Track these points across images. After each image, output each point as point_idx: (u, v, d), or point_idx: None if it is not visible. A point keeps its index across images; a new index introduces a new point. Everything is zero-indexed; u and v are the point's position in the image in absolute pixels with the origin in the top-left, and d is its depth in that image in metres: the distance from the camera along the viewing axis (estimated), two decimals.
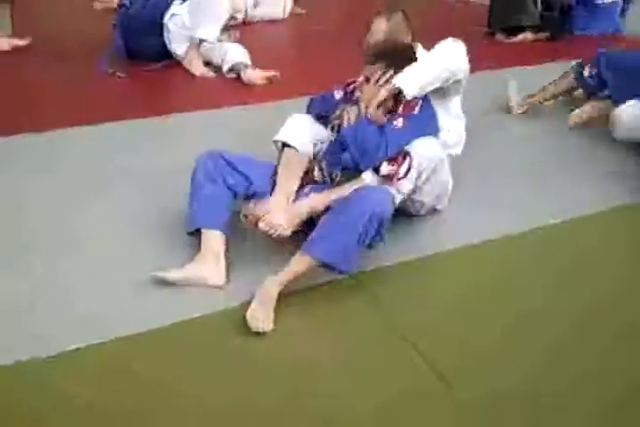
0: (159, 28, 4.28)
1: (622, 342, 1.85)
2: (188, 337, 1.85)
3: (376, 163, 2.14)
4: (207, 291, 2.03)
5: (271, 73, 4.05)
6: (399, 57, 2.28)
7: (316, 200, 2.13)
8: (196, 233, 2.18)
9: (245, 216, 2.14)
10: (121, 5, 4.50)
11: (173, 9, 4.31)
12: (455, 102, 2.44)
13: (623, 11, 5.09)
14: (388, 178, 2.10)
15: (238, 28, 5.09)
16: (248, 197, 2.22)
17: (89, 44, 4.72)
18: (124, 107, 3.68)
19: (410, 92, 2.18)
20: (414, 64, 2.25)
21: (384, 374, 1.73)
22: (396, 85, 2.18)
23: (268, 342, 1.82)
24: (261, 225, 2.08)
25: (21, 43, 4.79)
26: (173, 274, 2.04)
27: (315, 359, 1.77)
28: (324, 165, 2.28)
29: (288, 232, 2.09)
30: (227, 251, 2.14)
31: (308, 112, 2.48)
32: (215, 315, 1.93)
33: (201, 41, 4.23)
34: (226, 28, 4.59)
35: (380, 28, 2.45)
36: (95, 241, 2.29)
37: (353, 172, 2.19)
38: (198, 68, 4.23)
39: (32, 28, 5.16)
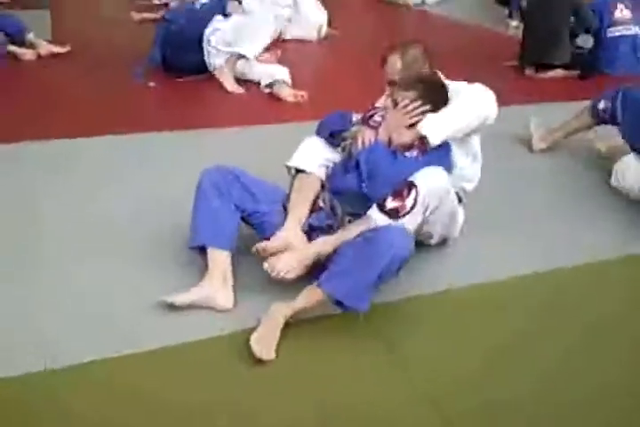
0: (200, 43, 4.39)
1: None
2: (192, 359, 1.88)
3: (381, 190, 2.11)
4: (215, 313, 2.06)
5: (301, 93, 4.18)
6: (432, 88, 2.31)
7: (322, 245, 2.10)
8: (200, 249, 2.16)
9: (257, 251, 2.12)
10: (164, 19, 4.62)
11: (216, 24, 4.45)
12: (474, 141, 2.44)
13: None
14: (395, 212, 2.06)
15: (273, 44, 5.18)
16: (251, 216, 2.22)
17: (125, 55, 4.84)
18: (152, 119, 3.78)
19: (434, 142, 2.21)
20: (444, 111, 2.26)
21: (384, 409, 1.74)
22: (423, 133, 2.21)
23: (270, 371, 1.84)
24: (265, 266, 2.07)
25: (61, 50, 4.92)
26: (181, 298, 2.03)
27: (314, 393, 1.79)
28: (326, 193, 2.27)
29: (291, 276, 2.06)
30: (234, 271, 2.14)
31: (321, 129, 2.46)
32: (221, 338, 1.95)
33: (240, 57, 4.35)
34: (267, 47, 4.71)
35: (396, 65, 2.43)
36: (104, 255, 2.33)
37: (355, 202, 2.19)
38: (230, 83, 4.35)
39: (71, 36, 5.30)
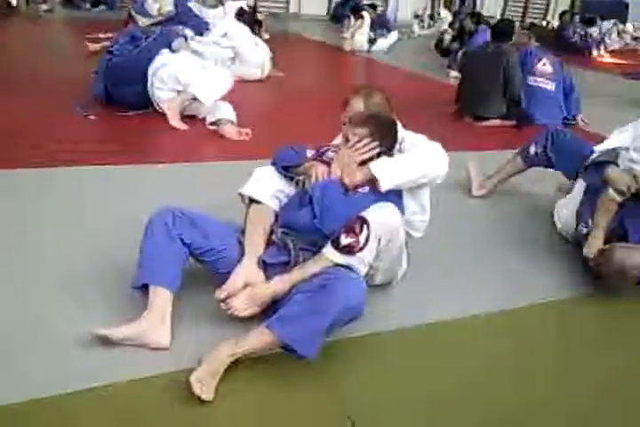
0: (144, 76, 4.40)
1: None
2: (129, 398, 1.80)
3: (334, 227, 2.11)
4: (152, 351, 1.99)
5: (245, 130, 4.23)
6: (382, 126, 2.35)
7: (279, 284, 2.08)
8: (144, 288, 2.10)
9: (222, 299, 2.09)
10: (107, 52, 4.61)
11: (163, 58, 4.46)
12: (424, 193, 2.47)
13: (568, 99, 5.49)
14: (349, 248, 2.05)
15: None
16: (204, 253, 2.18)
17: (70, 87, 4.79)
18: (92, 152, 3.68)
19: (385, 187, 2.25)
20: (398, 158, 2.32)
21: None
22: (374, 173, 2.24)
23: (209, 410, 1.78)
24: (222, 306, 2.06)
25: None
26: (116, 332, 1.96)
27: None
28: (278, 227, 2.26)
29: (246, 314, 2.05)
30: (175, 308, 2.08)
31: (276, 161, 2.46)
32: (159, 377, 1.88)
33: (194, 99, 4.37)
34: None
35: (358, 108, 2.45)
36: (42, 289, 2.25)
37: (308, 237, 2.19)
38: (177, 119, 4.35)
39: (15, 67, 5.21)
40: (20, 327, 2.04)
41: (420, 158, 2.34)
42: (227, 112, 4.28)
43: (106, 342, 1.96)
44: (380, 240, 2.08)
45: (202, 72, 4.43)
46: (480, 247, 2.94)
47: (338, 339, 2.09)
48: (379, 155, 2.32)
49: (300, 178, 2.36)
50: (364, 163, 2.29)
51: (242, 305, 2.06)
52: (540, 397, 2.00)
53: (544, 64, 5.41)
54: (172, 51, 4.59)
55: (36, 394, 1.77)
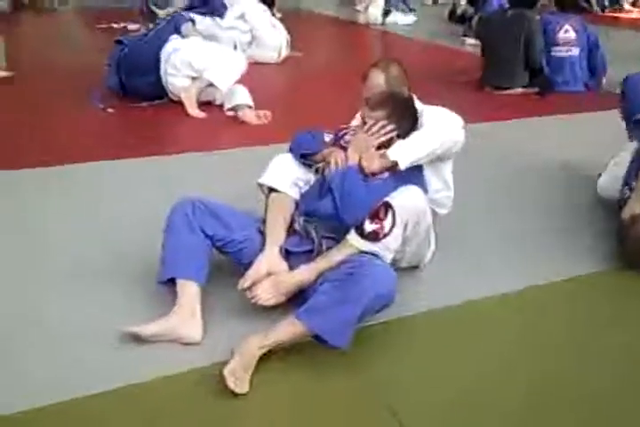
0: (156, 63, 4.35)
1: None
2: (162, 395, 1.80)
3: (356, 214, 2.07)
4: (185, 346, 1.98)
5: (264, 112, 4.18)
6: (399, 108, 2.29)
7: (305, 274, 2.05)
8: (170, 282, 2.10)
9: (244, 287, 2.08)
10: (117, 42, 4.59)
11: (174, 43, 4.40)
12: (446, 168, 2.44)
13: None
14: (374, 235, 2.02)
15: None
16: (226, 245, 2.17)
17: (85, 80, 4.78)
18: (112, 145, 3.69)
19: (404, 165, 2.19)
20: (412, 136, 2.25)
21: None
22: (392, 159, 2.19)
23: (243, 403, 1.77)
24: (247, 294, 2.05)
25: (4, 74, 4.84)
26: (146, 330, 1.95)
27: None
28: (300, 216, 2.23)
29: (270, 303, 2.04)
30: (204, 302, 2.08)
31: (293, 147, 2.42)
32: (192, 372, 1.88)
33: (209, 84, 4.30)
34: None
35: (378, 82, 2.43)
36: (69, 289, 2.26)
37: (330, 225, 2.17)
38: (194, 108, 4.30)
39: (27, 61, 5.22)
40: (43, 326, 2.05)
41: (433, 128, 2.29)
42: (244, 96, 4.25)
43: (135, 339, 1.96)
44: (406, 225, 2.04)
45: (215, 56, 4.34)
46: (505, 223, 2.87)
47: (369, 324, 2.07)
48: (398, 136, 2.27)
49: (320, 165, 2.32)
50: (382, 146, 2.24)
51: (266, 294, 2.03)
52: (572, 372, 1.97)
53: (566, 31, 5.18)
54: (182, 36, 4.54)
55: (64, 395, 1.77)
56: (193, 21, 4.86)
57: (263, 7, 6.24)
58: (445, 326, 2.17)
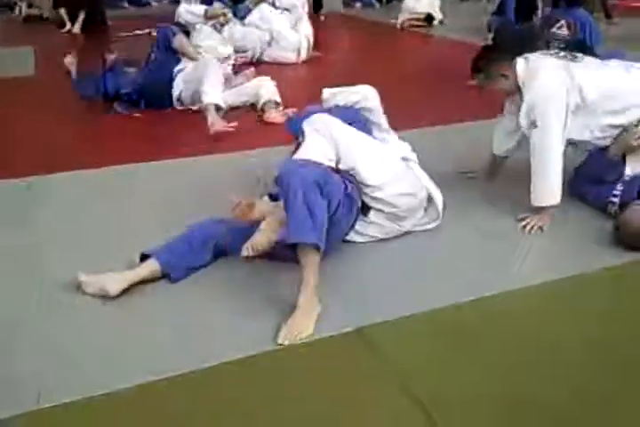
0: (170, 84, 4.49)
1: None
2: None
3: None
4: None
5: (291, 110, 4.11)
6: None
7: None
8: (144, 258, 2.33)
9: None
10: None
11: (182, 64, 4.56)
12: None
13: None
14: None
15: (248, 67, 5.20)
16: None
17: None
18: (137, 149, 3.76)
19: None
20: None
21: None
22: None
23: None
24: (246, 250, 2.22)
25: None
26: (81, 277, 2.23)
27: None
28: None
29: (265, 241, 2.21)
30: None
31: None
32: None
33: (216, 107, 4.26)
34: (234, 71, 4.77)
35: None
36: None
37: None
38: (218, 125, 4.01)
39: (54, 71, 5.34)
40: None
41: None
42: (268, 93, 4.32)
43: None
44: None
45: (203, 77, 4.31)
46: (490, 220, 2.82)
47: (394, 318, 2.11)
48: None
49: None
50: None
51: (263, 237, 2.21)
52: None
53: (560, 27, 5.07)
54: (175, 52, 4.60)
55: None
56: (187, 32, 4.94)
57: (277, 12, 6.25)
58: (470, 320, 2.15)
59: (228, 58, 4.90)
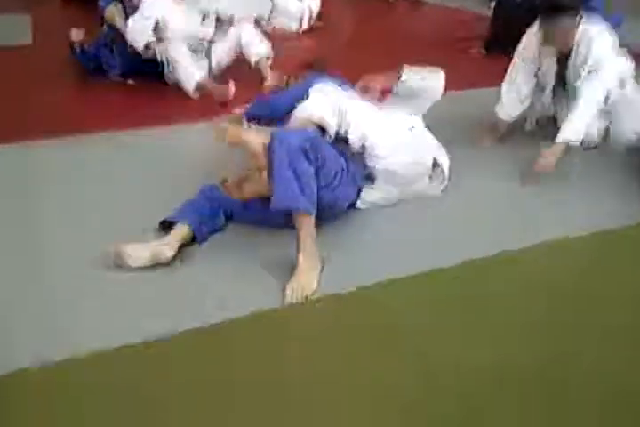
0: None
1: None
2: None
3: None
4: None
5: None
6: None
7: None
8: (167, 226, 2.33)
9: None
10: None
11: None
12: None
13: None
14: None
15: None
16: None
17: None
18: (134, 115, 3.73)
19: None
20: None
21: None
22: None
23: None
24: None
25: None
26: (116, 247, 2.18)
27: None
28: None
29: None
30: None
31: None
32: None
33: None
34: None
35: None
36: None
37: None
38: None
39: (51, 39, 5.27)
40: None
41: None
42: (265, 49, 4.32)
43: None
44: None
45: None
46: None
47: (399, 277, 2.12)
48: None
49: None
50: None
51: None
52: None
53: None
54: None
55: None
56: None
57: None
58: (479, 277, 2.18)
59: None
